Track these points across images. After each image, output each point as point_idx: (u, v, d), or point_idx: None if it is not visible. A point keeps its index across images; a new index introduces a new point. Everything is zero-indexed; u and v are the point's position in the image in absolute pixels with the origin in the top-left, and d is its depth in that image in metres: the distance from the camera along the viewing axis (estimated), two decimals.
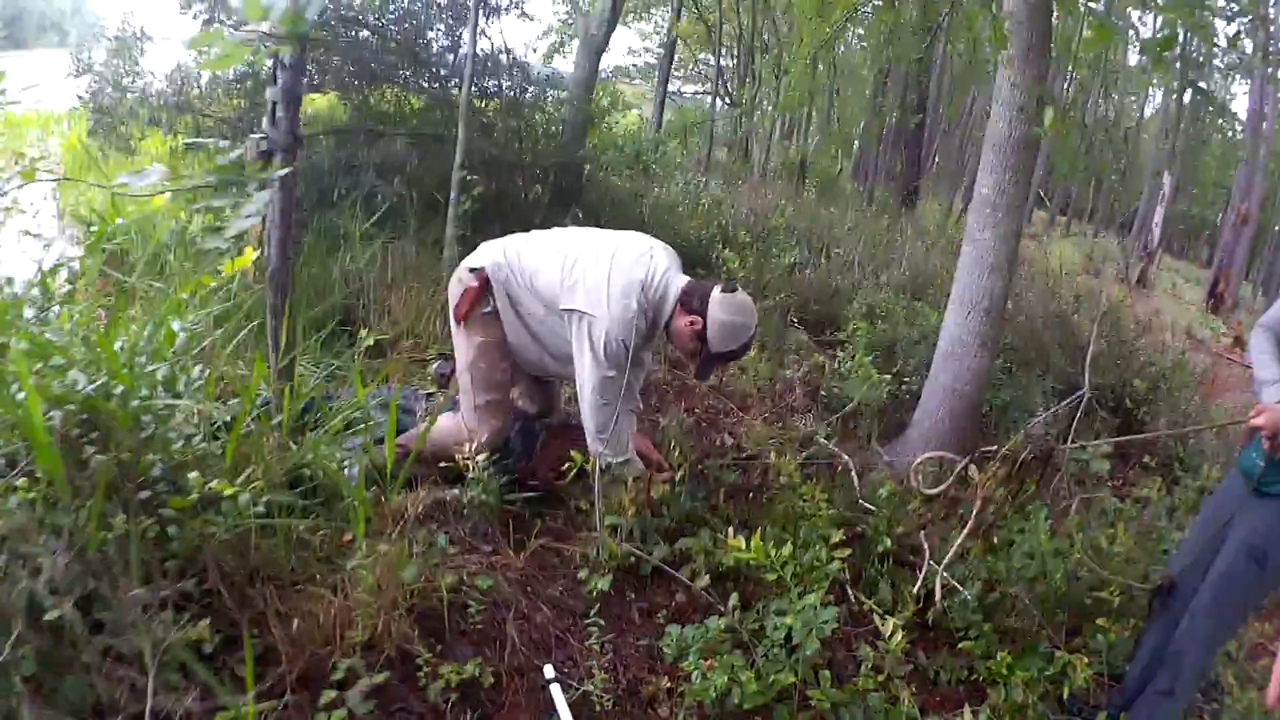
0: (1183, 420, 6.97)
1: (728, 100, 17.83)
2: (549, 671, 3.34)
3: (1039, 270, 10.34)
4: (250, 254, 4.39)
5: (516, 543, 4.11)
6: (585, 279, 4.07)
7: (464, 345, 4.35)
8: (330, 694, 2.94)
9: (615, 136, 12.01)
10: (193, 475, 3.03)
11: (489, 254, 4.28)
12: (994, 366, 5.74)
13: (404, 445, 4.22)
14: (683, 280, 4.20)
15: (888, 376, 5.99)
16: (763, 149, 18.21)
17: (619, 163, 11.27)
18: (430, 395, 5.06)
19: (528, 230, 4.54)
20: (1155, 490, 5.27)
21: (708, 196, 11.12)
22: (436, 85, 8.62)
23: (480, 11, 7.71)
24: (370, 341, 5.39)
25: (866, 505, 4.58)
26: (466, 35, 7.18)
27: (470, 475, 4.06)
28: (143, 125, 7.65)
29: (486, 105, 8.70)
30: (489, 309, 4.28)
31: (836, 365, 6.60)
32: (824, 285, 8.40)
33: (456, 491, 4.14)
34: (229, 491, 3.04)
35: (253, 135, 3.81)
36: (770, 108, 18.10)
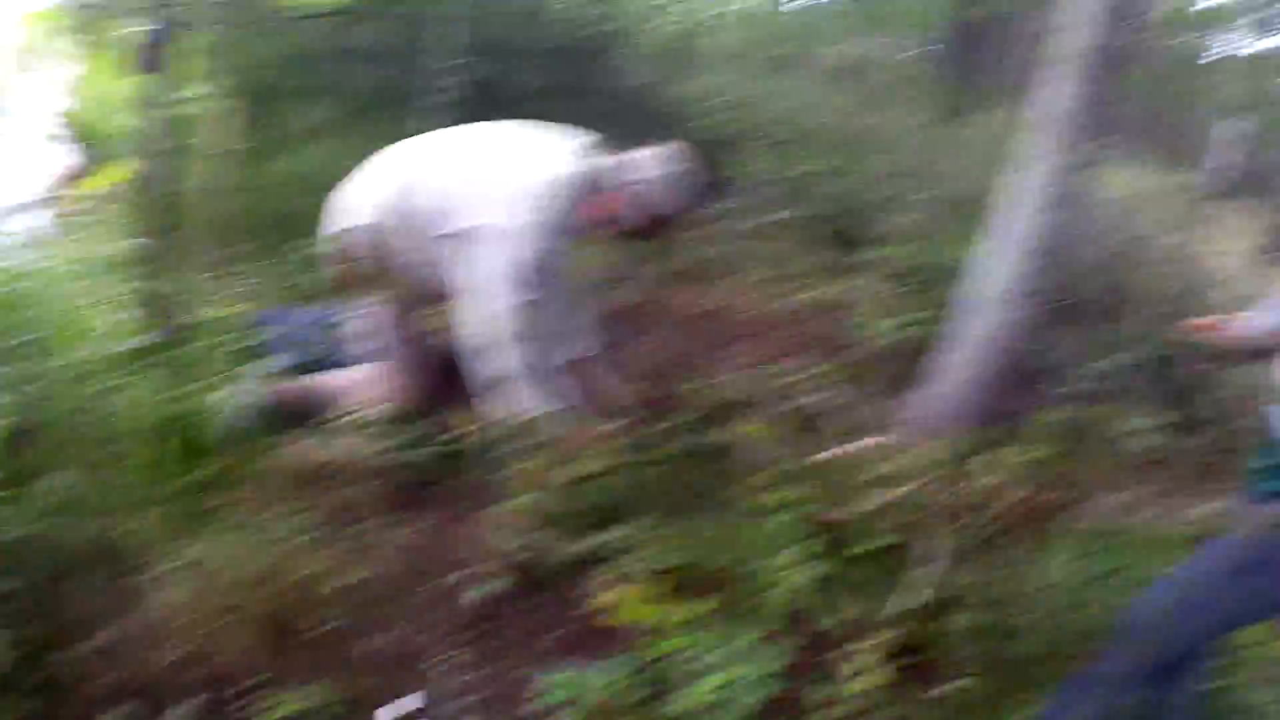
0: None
1: None
2: (382, 717, 2.64)
3: (1101, 201, 9.24)
4: (118, 168, 3.79)
5: (410, 517, 3.40)
6: (485, 187, 3.43)
7: (360, 307, 3.85)
8: None
9: (644, 18, 11.02)
10: None
11: (356, 208, 3.67)
12: (1045, 318, 4.77)
13: (300, 389, 3.83)
14: (603, 160, 3.58)
15: (915, 314, 5.06)
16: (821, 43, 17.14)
17: (652, 48, 10.27)
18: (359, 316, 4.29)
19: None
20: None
21: (746, 89, 10.10)
22: None
23: None
24: (306, 252, 4.80)
25: (855, 481, 3.72)
26: None
27: (363, 428, 3.48)
28: None
29: None
30: (374, 269, 3.70)
31: (857, 293, 5.67)
32: (856, 196, 7.38)
33: (350, 444, 3.48)
34: None
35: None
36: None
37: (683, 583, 3.06)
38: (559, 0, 8.48)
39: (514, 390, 3.47)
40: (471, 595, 3.11)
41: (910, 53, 21.13)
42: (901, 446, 4.20)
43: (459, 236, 3.43)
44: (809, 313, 5.55)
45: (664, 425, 3.89)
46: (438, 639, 2.98)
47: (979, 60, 15.91)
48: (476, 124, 3.87)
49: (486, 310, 3.42)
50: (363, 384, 3.82)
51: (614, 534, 3.20)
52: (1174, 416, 4.53)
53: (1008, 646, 3.20)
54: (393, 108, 6.69)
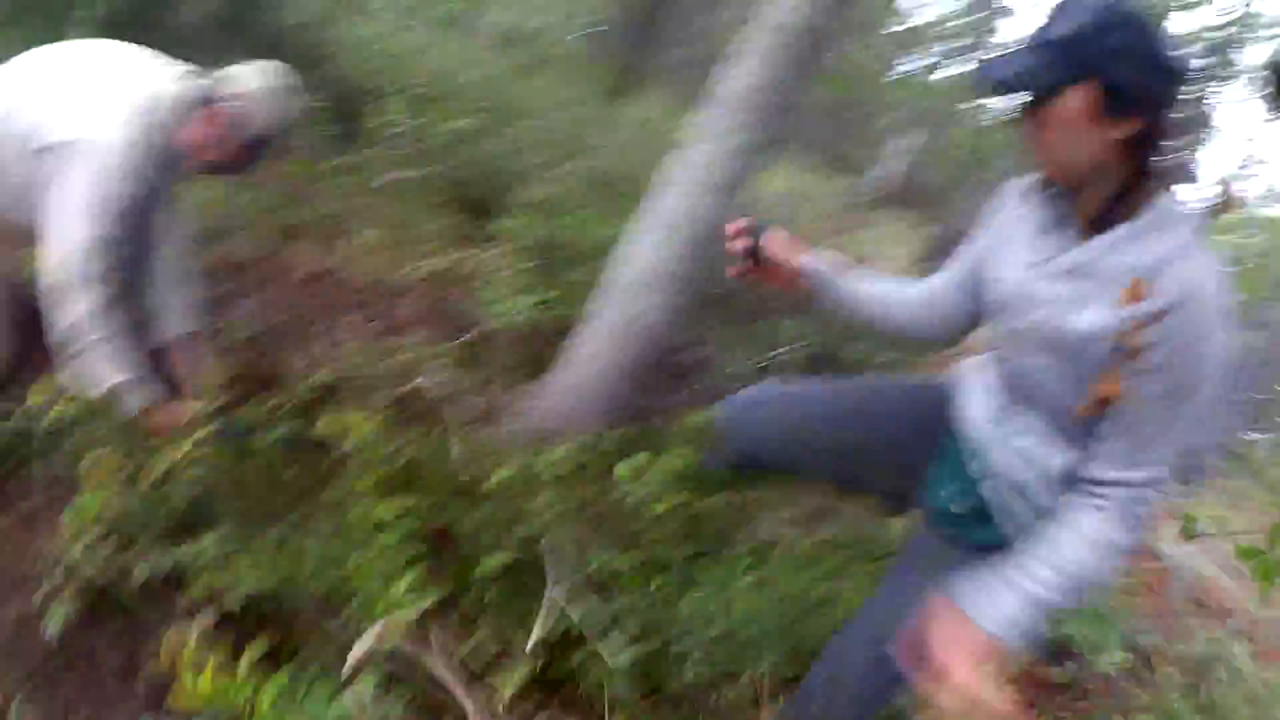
0: None
1: None
2: None
3: (760, 195, 9.26)
4: None
5: None
6: (77, 100, 3.00)
7: None
8: None
9: None
10: None
11: None
12: (694, 308, 4.51)
13: None
14: (204, 79, 3.30)
15: (550, 293, 4.78)
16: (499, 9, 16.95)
17: None
18: None
19: None
20: None
21: (407, 41, 9.79)
22: None
23: None
24: None
25: (471, 479, 3.38)
26: None
27: None
28: None
29: None
30: None
31: (487, 266, 5.27)
32: (497, 162, 7.03)
33: None
34: None
35: None
36: None
37: (263, 621, 2.64)
38: None
39: (85, 351, 2.95)
40: (46, 627, 2.57)
41: (580, 29, 21.19)
42: (531, 443, 3.87)
43: (51, 150, 2.95)
44: (432, 283, 5.16)
45: (261, 409, 3.37)
46: (23, 676, 2.51)
47: (646, 42, 15.97)
48: (76, 41, 3.36)
49: (64, 244, 2.92)
50: None
51: (199, 546, 2.71)
52: None
53: (667, 677, 2.90)
54: (36, 26, 5.85)
